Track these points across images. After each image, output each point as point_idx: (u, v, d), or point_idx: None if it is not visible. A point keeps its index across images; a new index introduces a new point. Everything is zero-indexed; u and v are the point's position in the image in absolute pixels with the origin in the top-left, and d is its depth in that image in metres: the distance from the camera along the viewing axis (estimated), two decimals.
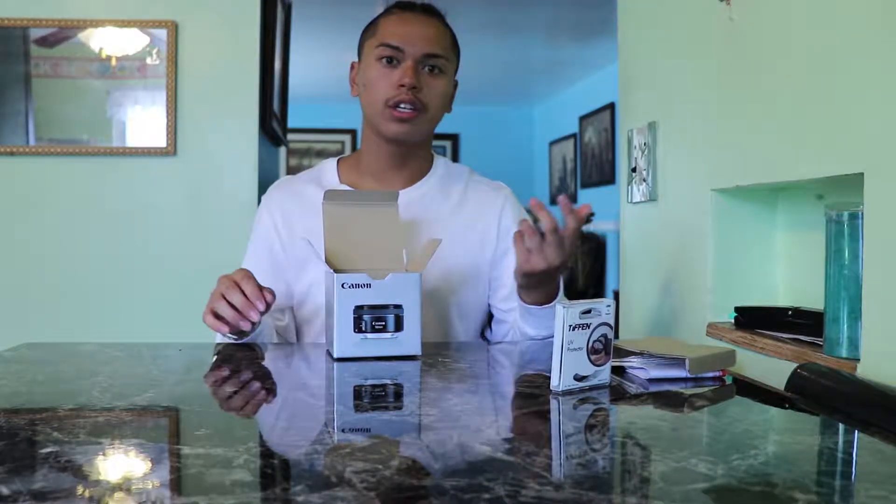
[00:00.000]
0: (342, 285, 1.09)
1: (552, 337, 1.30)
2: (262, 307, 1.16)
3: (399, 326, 1.11)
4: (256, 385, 1.07)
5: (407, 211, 1.31)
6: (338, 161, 1.48)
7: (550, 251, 1.16)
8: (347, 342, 1.10)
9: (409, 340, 1.12)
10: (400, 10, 1.39)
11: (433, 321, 1.36)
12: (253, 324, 1.19)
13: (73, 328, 2.27)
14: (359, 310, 1.10)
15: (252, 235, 1.46)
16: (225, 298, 1.17)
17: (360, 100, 1.40)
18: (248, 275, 1.19)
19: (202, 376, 1.11)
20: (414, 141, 1.39)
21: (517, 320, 1.33)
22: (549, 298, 1.26)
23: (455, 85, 1.45)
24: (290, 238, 1.40)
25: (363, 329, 1.10)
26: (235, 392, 1.01)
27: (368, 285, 1.10)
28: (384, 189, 1.40)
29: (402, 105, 1.32)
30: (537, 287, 1.24)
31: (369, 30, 1.41)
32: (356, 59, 1.44)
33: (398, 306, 1.11)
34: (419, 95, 1.33)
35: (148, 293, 2.32)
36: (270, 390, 1.03)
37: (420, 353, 1.13)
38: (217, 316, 1.18)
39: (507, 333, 1.40)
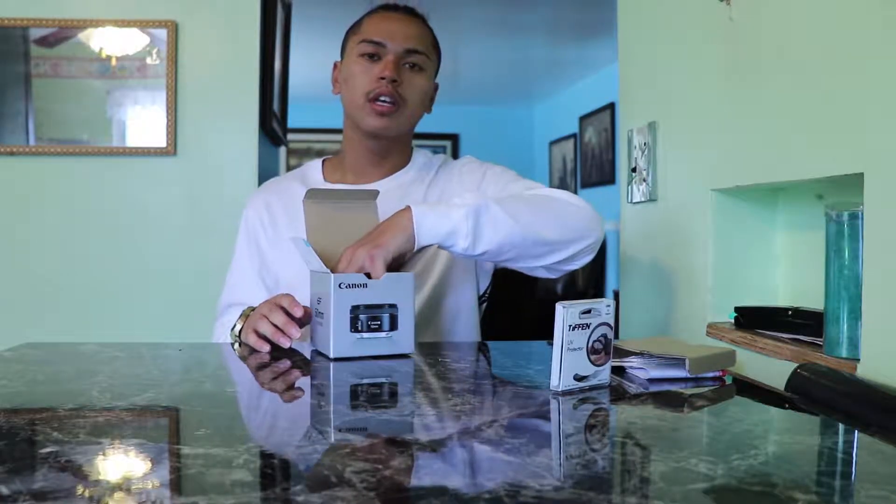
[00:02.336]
0: (339, 285, 1.10)
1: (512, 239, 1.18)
2: (295, 335, 1.18)
3: (394, 326, 1.12)
4: (257, 385, 1.07)
5: (384, 201, 1.31)
6: (323, 161, 1.51)
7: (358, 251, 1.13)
8: (344, 342, 1.10)
9: (403, 339, 1.13)
10: (383, 10, 1.43)
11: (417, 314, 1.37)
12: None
13: (73, 328, 2.27)
14: (355, 309, 1.10)
15: (239, 233, 1.49)
16: (266, 318, 1.20)
17: (342, 96, 1.43)
18: (291, 298, 1.21)
19: (202, 376, 1.11)
20: (392, 135, 1.41)
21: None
22: (409, 228, 1.15)
23: (435, 88, 1.47)
24: (274, 233, 1.44)
25: (359, 329, 1.11)
26: (234, 392, 1.01)
27: (364, 285, 1.10)
28: (364, 184, 1.42)
29: (382, 98, 1.35)
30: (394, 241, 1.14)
31: (353, 29, 1.45)
32: (339, 59, 1.47)
33: (393, 306, 1.12)
34: (399, 89, 1.36)
35: (148, 293, 2.32)
36: (271, 390, 1.03)
37: (413, 351, 1.14)
38: (259, 336, 1.20)
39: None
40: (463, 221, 1.15)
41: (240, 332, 1.27)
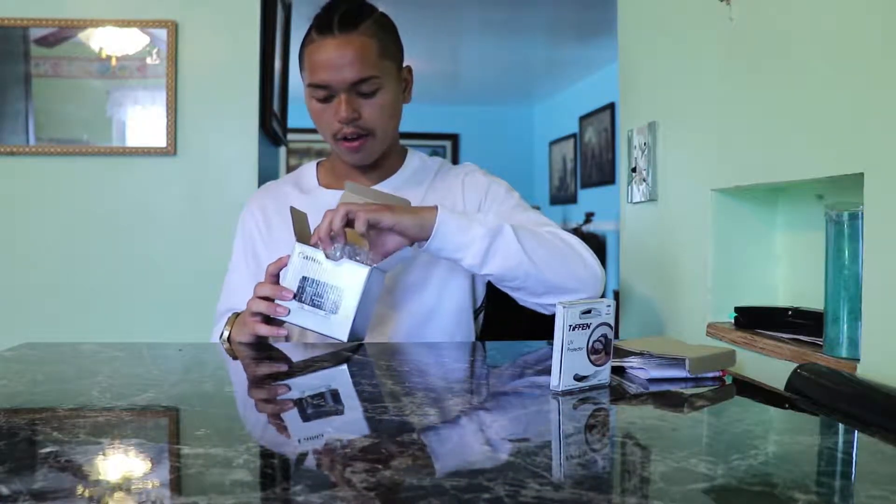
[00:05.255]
0: (299, 254, 1.16)
1: (519, 271, 1.21)
2: (288, 295, 1.17)
3: (335, 309, 1.15)
4: (256, 385, 1.07)
5: None
6: (318, 164, 1.51)
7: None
8: (288, 305, 1.16)
9: (339, 324, 1.15)
10: (319, 36, 1.31)
11: (407, 316, 1.36)
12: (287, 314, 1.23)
13: (73, 328, 2.27)
14: (304, 280, 1.15)
15: (236, 237, 1.49)
16: (256, 298, 1.20)
17: None
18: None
19: (202, 376, 1.11)
20: (372, 160, 1.41)
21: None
22: (427, 224, 1.18)
23: (408, 70, 1.42)
24: (270, 237, 1.44)
25: (302, 299, 1.15)
26: (234, 392, 1.01)
27: (320, 262, 1.15)
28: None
29: (348, 136, 1.33)
30: (408, 232, 1.18)
31: (301, 57, 1.37)
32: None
33: (339, 290, 1.15)
34: (360, 123, 1.33)
35: (148, 293, 2.32)
36: (270, 389, 1.03)
37: (345, 341, 1.16)
38: (263, 320, 1.20)
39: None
40: (479, 240, 1.19)
41: (228, 337, 1.27)
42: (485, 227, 1.20)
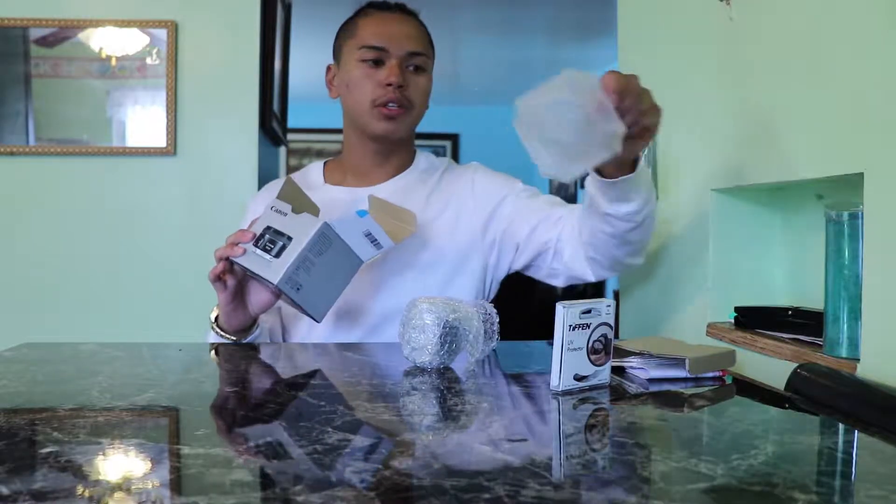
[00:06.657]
0: (271, 206, 1.19)
1: (634, 216, 1.13)
2: (248, 237, 1.18)
3: (279, 254, 1.16)
4: (256, 385, 1.07)
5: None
6: (324, 163, 1.51)
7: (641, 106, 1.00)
8: (248, 249, 1.18)
9: (278, 267, 1.16)
10: (377, 11, 1.41)
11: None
12: (254, 322, 1.26)
13: (73, 328, 2.27)
14: (267, 229, 1.18)
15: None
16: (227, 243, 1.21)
17: (342, 101, 1.42)
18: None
19: (202, 376, 1.11)
20: (399, 137, 1.41)
21: (588, 204, 1.19)
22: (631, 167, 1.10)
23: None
24: None
25: (258, 244, 1.18)
26: (234, 392, 1.01)
27: (285, 214, 1.18)
28: (366, 186, 1.42)
29: (391, 104, 1.35)
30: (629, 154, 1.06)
31: (347, 31, 1.42)
32: (332, 62, 1.46)
33: (290, 238, 1.16)
34: (405, 93, 1.36)
35: (148, 293, 2.32)
36: (270, 390, 1.03)
37: (275, 284, 1.15)
38: (217, 275, 1.21)
39: (555, 255, 1.35)
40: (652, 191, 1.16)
41: (216, 318, 1.29)
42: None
